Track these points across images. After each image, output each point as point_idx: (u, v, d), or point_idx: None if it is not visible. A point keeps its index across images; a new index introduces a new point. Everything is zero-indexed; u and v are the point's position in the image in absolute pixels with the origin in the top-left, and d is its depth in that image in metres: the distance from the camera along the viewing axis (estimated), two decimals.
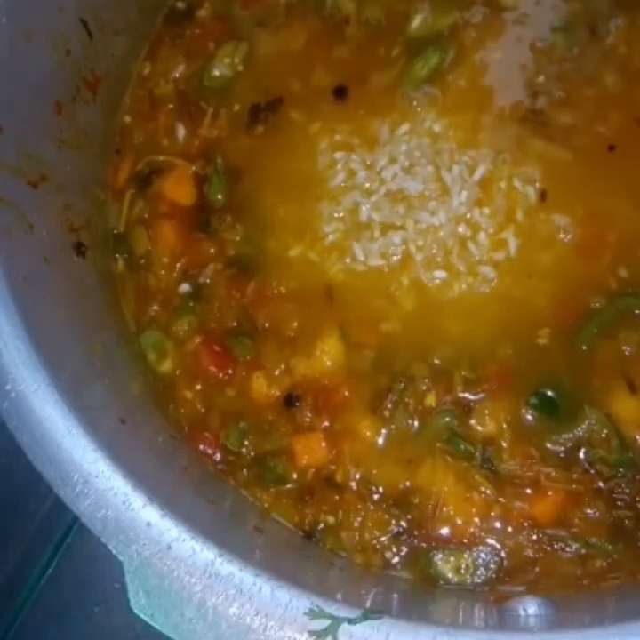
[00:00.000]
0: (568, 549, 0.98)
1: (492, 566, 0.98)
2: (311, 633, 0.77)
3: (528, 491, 1.00)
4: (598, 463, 0.99)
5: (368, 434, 1.03)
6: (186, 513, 0.84)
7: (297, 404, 1.05)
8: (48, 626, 1.26)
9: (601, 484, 0.99)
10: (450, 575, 0.98)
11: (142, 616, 0.81)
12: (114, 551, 0.82)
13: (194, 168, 1.14)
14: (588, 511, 0.98)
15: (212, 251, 1.11)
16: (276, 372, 1.06)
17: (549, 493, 0.99)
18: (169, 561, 0.81)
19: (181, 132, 1.17)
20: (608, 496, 0.98)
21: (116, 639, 1.23)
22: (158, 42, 1.21)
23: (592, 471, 0.99)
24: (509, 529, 0.99)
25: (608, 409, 1.00)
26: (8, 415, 0.86)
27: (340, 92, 1.14)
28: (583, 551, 0.98)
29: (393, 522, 1.00)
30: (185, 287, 1.11)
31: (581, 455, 0.99)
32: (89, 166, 1.12)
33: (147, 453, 0.96)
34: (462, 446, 1.00)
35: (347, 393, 1.04)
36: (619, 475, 0.98)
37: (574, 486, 0.99)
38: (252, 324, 1.08)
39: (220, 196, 1.12)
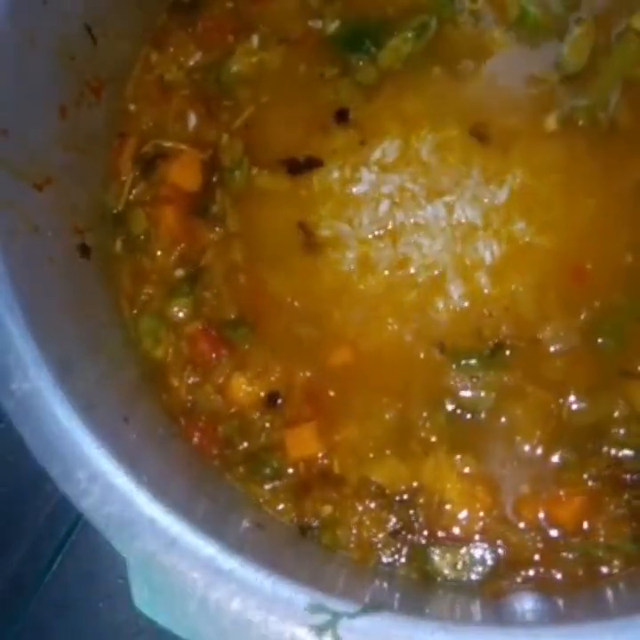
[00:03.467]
0: (577, 554, 0.98)
1: (488, 563, 0.99)
2: (312, 627, 0.78)
3: (546, 489, 1.00)
4: (615, 446, 0.99)
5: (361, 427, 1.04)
6: (188, 509, 0.85)
7: (279, 402, 1.06)
8: (53, 621, 1.26)
9: (624, 476, 0.99)
10: (446, 571, 0.98)
11: (145, 612, 0.81)
12: (117, 547, 0.83)
13: (202, 156, 1.13)
14: (611, 512, 0.98)
15: (213, 236, 1.12)
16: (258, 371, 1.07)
17: (567, 494, 1.00)
18: (172, 557, 0.81)
19: (193, 120, 1.16)
20: (629, 490, 0.99)
21: (119, 634, 1.24)
22: (165, 29, 1.20)
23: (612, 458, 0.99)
24: (512, 527, 1.00)
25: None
26: (14, 414, 0.86)
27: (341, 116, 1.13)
28: (600, 554, 0.98)
29: (392, 519, 1.01)
30: (182, 272, 1.11)
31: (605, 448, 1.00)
32: (94, 169, 1.13)
33: (150, 451, 0.97)
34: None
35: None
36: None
37: (592, 484, 0.99)
38: (249, 315, 1.09)
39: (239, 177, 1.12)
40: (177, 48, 1.19)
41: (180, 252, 1.12)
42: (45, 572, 1.27)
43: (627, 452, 1.00)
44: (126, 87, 1.19)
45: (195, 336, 1.09)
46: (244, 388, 1.07)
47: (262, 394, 1.06)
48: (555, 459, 1.01)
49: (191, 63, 1.18)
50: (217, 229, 1.12)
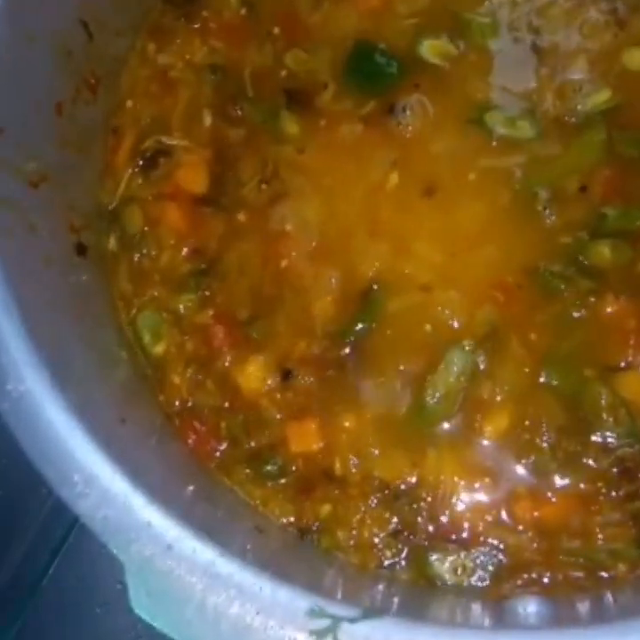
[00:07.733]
0: (580, 558, 0.97)
1: (489, 568, 0.98)
2: (311, 632, 0.78)
3: (540, 490, 0.99)
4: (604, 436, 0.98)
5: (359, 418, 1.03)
6: (186, 513, 0.84)
7: (293, 374, 1.04)
8: (50, 626, 1.26)
9: (618, 468, 0.98)
10: (446, 576, 0.98)
11: (143, 616, 0.81)
12: (114, 551, 0.82)
13: (209, 155, 1.12)
14: (606, 513, 0.98)
15: (222, 226, 1.11)
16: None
17: (559, 496, 0.99)
18: (170, 561, 0.81)
19: (199, 117, 1.14)
20: (625, 484, 0.98)
21: (117, 638, 1.23)
22: (164, 24, 1.19)
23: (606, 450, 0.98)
24: (514, 528, 0.99)
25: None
26: (9, 415, 0.85)
27: None
28: (602, 558, 0.97)
29: (394, 519, 1.00)
30: (189, 266, 1.10)
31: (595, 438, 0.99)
32: (90, 166, 1.12)
33: (147, 453, 0.96)
34: None
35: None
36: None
37: (584, 486, 0.98)
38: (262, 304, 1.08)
39: None
40: (182, 43, 1.17)
41: (189, 246, 1.11)
42: (42, 576, 1.27)
43: (616, 441, 0.99)
44: (123, 83, 1.18)
45: (205, 328, 1.08)
46: (253, 377, 1.06)
47: (270, 382, 1.05)
48: (547, 457, 1.00)
49: (197, 60, 1.17)
50: (226, 219, 1.11)
